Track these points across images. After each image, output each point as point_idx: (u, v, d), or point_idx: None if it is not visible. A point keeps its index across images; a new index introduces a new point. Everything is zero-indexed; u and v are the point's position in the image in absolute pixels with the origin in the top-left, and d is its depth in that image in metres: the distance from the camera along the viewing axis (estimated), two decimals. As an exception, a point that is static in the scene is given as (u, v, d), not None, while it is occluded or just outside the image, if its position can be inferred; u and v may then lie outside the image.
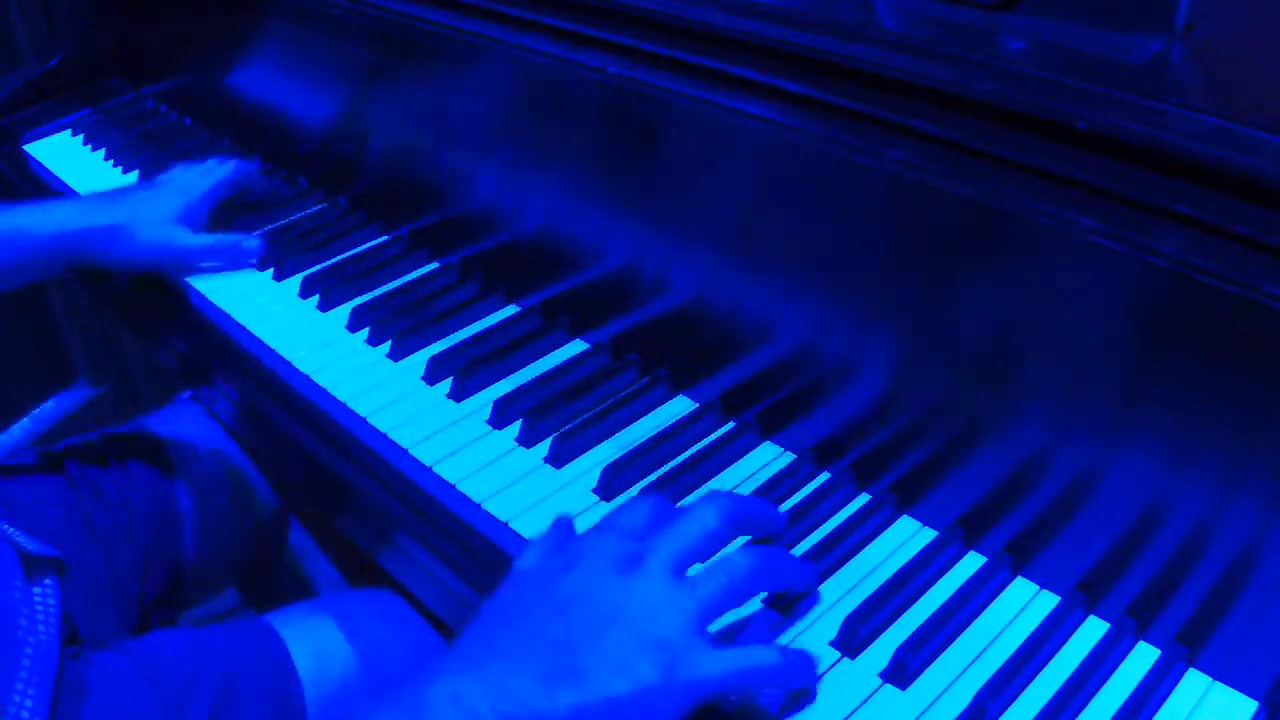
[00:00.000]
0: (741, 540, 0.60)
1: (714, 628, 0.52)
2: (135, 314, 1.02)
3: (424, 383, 0.81)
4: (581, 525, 0.68)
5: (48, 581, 0.71)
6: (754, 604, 0.61)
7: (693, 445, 0.74)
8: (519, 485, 0.71)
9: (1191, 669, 0.59)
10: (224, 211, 1.01)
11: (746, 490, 0.71)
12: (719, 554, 0.54)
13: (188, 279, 0.95)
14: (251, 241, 0.94)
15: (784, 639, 0.60)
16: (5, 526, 0.71)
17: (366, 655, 0.75)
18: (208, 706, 0.69)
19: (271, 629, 0.75)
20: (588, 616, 0.47)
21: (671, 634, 0.47)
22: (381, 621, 0.77)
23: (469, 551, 0.68)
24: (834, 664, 0.59)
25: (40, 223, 0.87)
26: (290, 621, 0.76)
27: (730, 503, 0.55)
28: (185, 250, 0.91)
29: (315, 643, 0.74)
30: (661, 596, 0.48)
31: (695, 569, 0.52)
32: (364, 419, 0.78)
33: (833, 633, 0.61)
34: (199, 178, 0.97)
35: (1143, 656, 0.60)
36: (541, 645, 0.46)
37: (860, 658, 0.60)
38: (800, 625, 0.60)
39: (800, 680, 0.54)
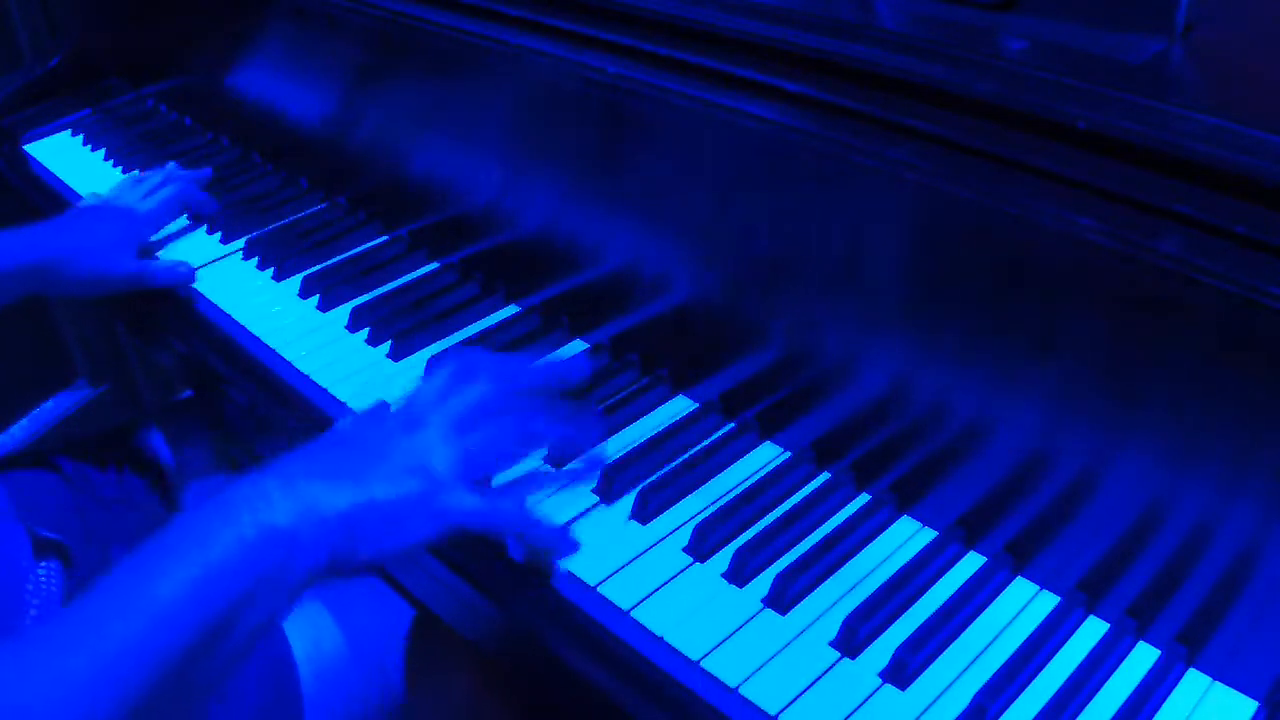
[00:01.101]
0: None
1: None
2: (135, 314, 1.02)
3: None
4: (582, 525, 0.68)
5: (52, 563, 0.72)
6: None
7: (693, 445, 0.74)
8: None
9: (1191, 669, 0.59)
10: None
11: (744, 490, 0.71)
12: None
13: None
14: (184, 268, 0.96)
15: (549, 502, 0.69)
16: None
17: (357, 638, 0.75)
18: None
19: None
20: (377, 451, 0.59)
21: (437, 470, 0.58)
22: (370, 605, 0.77)
23: (467, 551, 0.68)
24: (834, 664, 0.59)
25: None
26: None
27: (504, 370, 0.65)
28: (124, 279, 0.94)
29: (309, 626, 0.75)
30: (433, 446, 0.59)
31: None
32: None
33: (833, 633, 0.61)
34: (141, 200, 1.00)
35: (1143, 656, 0.60)
36: (333, 466, 0.57)
37: (860, 658, 0.60)
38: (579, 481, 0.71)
39: (540, 538, 0.64)
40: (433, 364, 0.69)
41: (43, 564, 0.73)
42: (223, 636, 0.50)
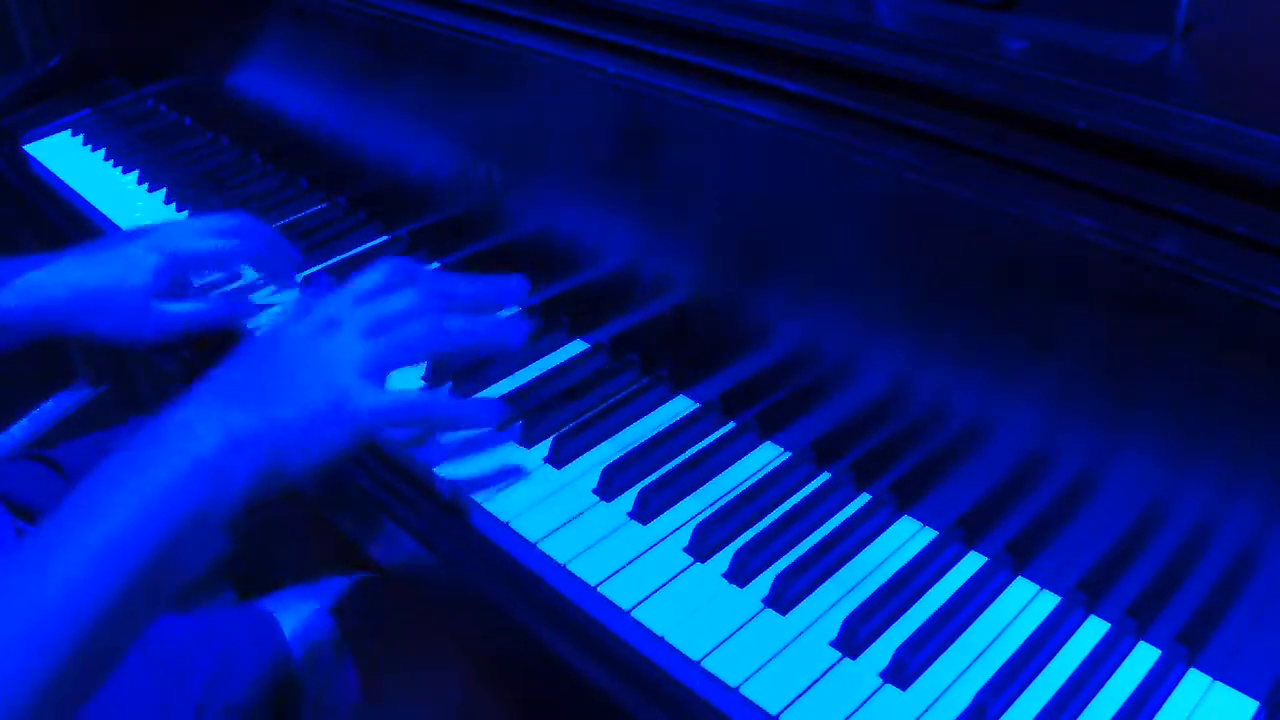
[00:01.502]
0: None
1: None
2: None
3: (424, 384, 0.81)
4: (582, 524, 0.67)
5: None
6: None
7: (693, 445, 0.74)
8: (519, 486, 0.71)
9: (1191, 669, 0.59)
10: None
11: (745, 490, 0.71)
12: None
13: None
14: (249, 304, 0.88)
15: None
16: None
17: (356, 634, 0.75)
18: (203, 682, 0.70)
19: (267, 611, 0.76)
20: (288, 365, 0.61)
21: (345, 376, 0.61)
22: (369, 603, 0.77)
23: (467, 550, 0.68)
24: (835, 664, 0.59)
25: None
26: (285, 605, 0.77)
27: (435, 283, 0.67)
28: (170, 322, 0.85)
29: (309, 624, 0.75)
30: (345, 350, 0.62)
31: None
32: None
33: (833, 633, 0.61)
34: (191, 240, 0.87)
35: (1143, 656, 0.60)
36: (249, 388, 0.59)
37: (860, 658, 0.60)
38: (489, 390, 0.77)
39: (460, 415, 0.68)
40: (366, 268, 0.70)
41: None
42: (164, 569, 0.52)
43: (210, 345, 0.87)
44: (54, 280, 0.82)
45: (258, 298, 0.92)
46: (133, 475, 0.53)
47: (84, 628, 0.48)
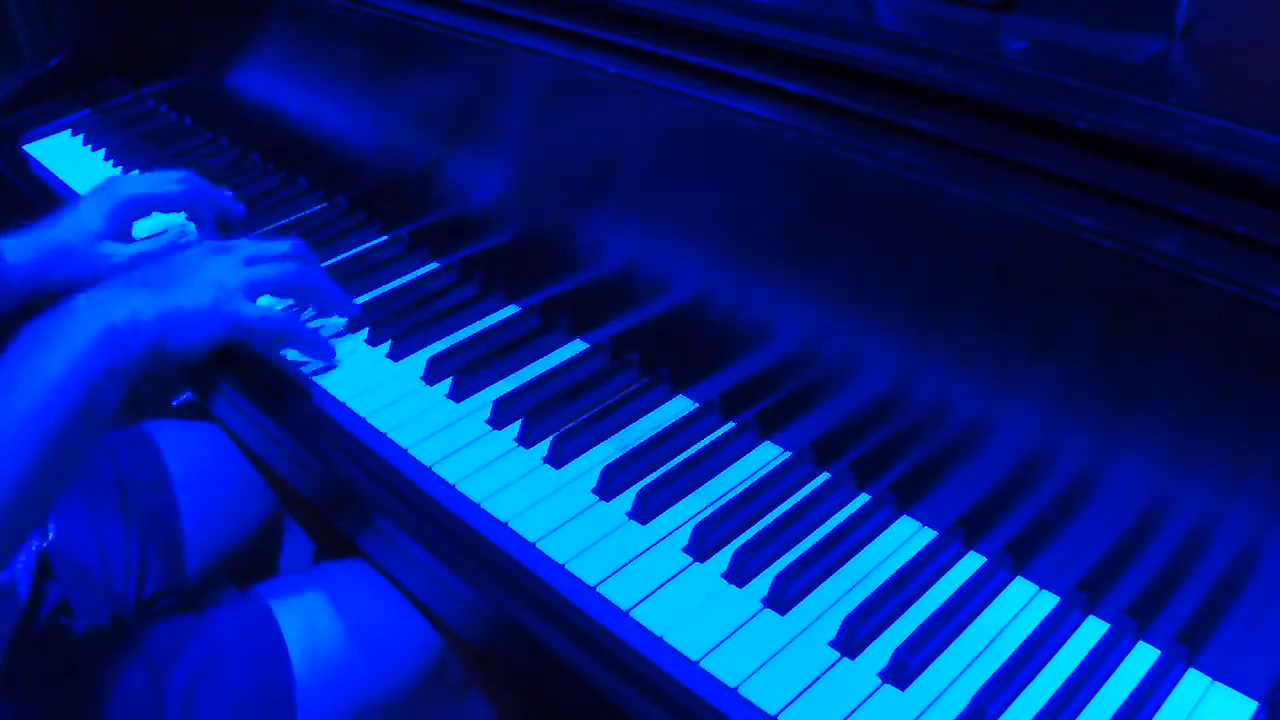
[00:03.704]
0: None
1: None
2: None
3: (424, 383, 0.81)
4: (581, 524, 0.67)
5: None
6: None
7: (693, 445, 0.74)
8: (518, 485, 0.71)
9: (1191, 669, 0.59)
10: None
11: (744, 490, 0.71)
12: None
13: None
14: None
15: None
16: None
17: (353, 624, 0.75)
18: (190, 670, 0.71)
19: (261, 600, 0.76)
20: (183, 270, 0.76)
21: (228, 285, 0.76)
22: (366, 592, 0.77)
23: (467, 551, 0.68)
24: (834, 664, 0.59)
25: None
26: (279, 594, 0.77)
27: (304, 255, 0.85)
28: (115, 265, 0.93)
29: (303, 613, 0.75)
30: (230, 269, 0.77)
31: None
32: (364, 419, 0.78)
33: (833, 633, 0.61)
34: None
35: (1143, 656, 0.60)
36: (152, 281, 0.73)
37: (860, 658, 0.60)
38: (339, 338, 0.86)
39: (305, 341, 0.83)
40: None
41: None
42: (89, 413, 0.63)
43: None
44: (23, 244, 0.90)
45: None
46: (57, 335, 0.65)
47: (26, 459, 0.59)
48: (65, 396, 0.62)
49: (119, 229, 0.94)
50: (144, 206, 0.96)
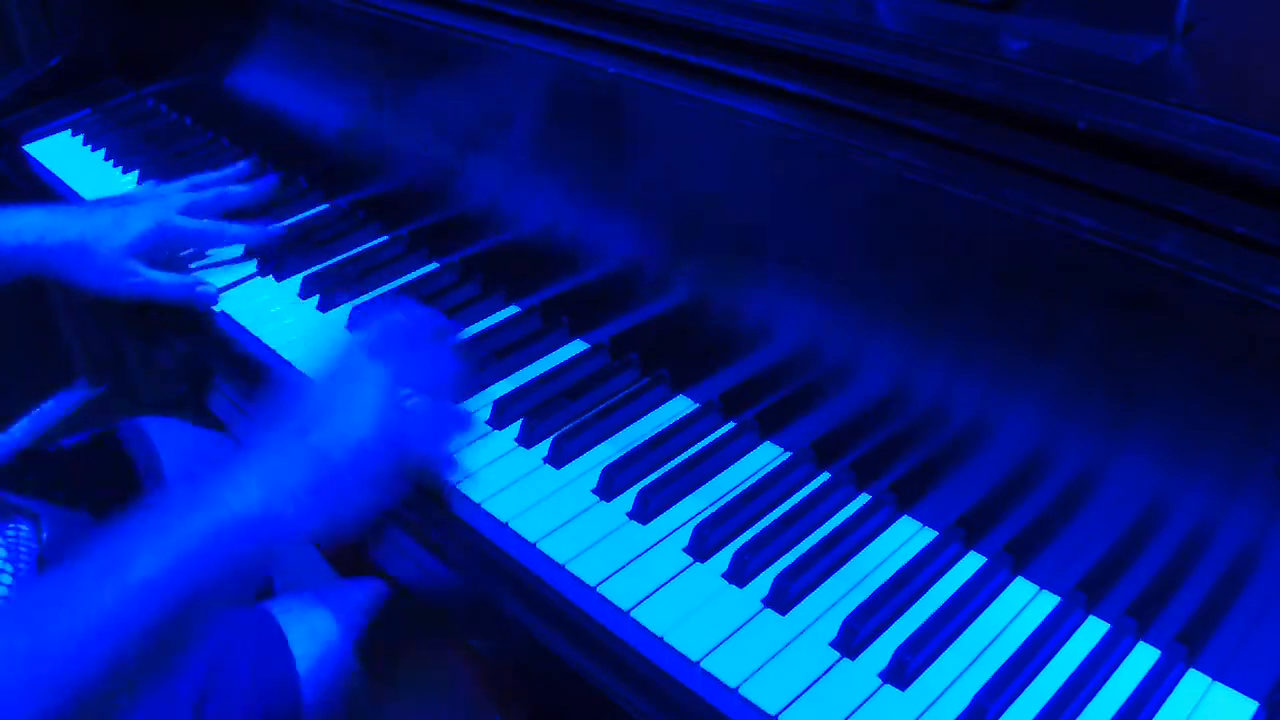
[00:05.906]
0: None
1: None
2: (134, 314, 1.02)
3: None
4: (582, 525, 0.67)
5: (22, 525, 0.73)
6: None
7: (693, 445, 0.74)
8: (518, 486, 0.71)
9: (1191, 669, 0.59)
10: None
11: (745, 490, 0.71)
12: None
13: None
14: (210, 288, 0.92)
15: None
16: None
17: (361, 638, 0.76)
18: (196, 684, 0.71)
19: (268, 612, 0.76)
20: (356, 459, 0.62)
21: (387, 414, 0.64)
22: (375, 607, 0.78)
23: (468, 551, 0.68)
24: (834, 664, 0.59)
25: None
26: (288, 608, 0.77)
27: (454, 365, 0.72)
28: (138, 285, 0.89)
29: (312, 627, 0.75)
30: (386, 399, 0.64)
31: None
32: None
33: (833, 633, 0.61)
34: (173, 199, 0.94)
35: (1143, 657, 0.60)
36: (319, 475, 0.60)
37: (860, 658, 0.60)
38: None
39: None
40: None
41: (11, 526, 0.74)
42: (194, 614, 0.54)
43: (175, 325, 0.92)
44: (50, 227, 0.87)
45: (220, 281, 0.94)
46: (179, 520, 0.55)
47: (114, 658, 0.50)
48: (155, 598, 0.52)
49: (150, 251, 0.90)
50: (184, 242, 0.93)
